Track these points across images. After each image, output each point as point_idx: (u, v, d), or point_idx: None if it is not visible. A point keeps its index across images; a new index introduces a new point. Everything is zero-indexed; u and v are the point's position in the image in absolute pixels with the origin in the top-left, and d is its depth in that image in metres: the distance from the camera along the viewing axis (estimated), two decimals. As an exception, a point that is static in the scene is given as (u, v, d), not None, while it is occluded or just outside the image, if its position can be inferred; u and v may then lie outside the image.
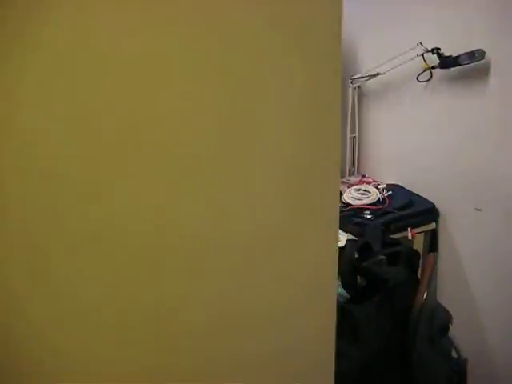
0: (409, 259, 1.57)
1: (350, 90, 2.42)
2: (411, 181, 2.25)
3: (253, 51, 0.53)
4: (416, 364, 1.47)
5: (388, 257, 1.60)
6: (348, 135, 2.49)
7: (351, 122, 2.48)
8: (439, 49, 1.93)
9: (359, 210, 2.05)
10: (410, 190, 2.23)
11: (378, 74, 2.24)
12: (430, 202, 2.13)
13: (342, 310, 1.44)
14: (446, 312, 1.61)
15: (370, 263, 1.54)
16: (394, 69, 2.13)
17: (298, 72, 0.57)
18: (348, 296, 1.55)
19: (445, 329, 1.58)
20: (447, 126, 2.02)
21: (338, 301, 1.48)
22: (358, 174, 2.51)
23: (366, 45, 2.41)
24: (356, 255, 1.58)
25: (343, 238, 1.97)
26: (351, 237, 1.99)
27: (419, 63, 2.02)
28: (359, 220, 2.01)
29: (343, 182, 2.40)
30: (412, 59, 2.02)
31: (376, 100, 2.40)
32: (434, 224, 2.14)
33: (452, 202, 2.07)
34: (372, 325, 1.39)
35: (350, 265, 1.51)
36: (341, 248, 1.70)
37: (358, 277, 1.55)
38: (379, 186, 2.20)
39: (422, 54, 1.99)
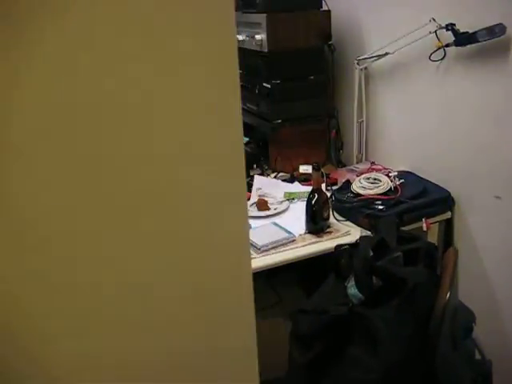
0: (428, 256, 1.44)
1: (357, 72, 2.27)
2: (424, 167, 2.11)
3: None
4: (439, 368, 1.35)
5: (405, 254, 1.47)
6: (355, 120, 2.35)
7: (358, 106, 2.34)
8: (454, 25, 1.78)
9: (370, 201, 1.92)
10: (423, 177, 2.09)
11: (386, 53, 2.10)
12: (446, 190, 1.99)
13: (357, 315, 1.32)
14: (469, 312, 1.49)
15: (386, 262, 1.42)
16: (404, 48, 1.98)
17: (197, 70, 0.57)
18: (362, 298, 1.42)
19: (468, 330, 1.46)
20: (463, 108, 1.88)
21: (351, 304, 1.35)
22: (366, 160, 2.38)
23: (372, 22, 2.25)
24: (371, 253, 1.45)
25: (355, 232, 1.84)
26: (362, 230, 1.86)
27: (432, 41, 1.87)
28: (370, 211, 1.87)
29: (351, 170, 2.27)
30: (424, 37, 1.88)
31: (385, 82, 2.25)
32: (449, 213, 2.01)
33: (468, 190, 1.94)
34: (392, 332, 1.26)
35: (365, 264, 1.39)
36: (353, 244, 1.57)
37: (374, 277, 1.42)
38: (390, 174, 2.06)
39: (435, 31, 1.84)
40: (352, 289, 1.48)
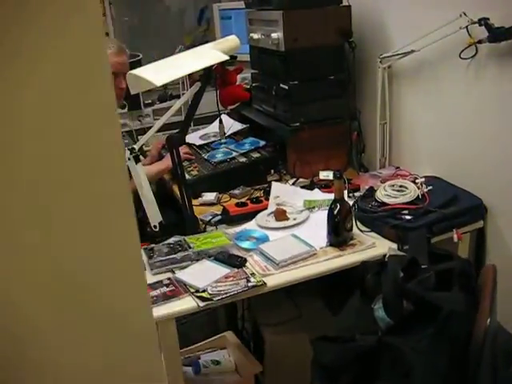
0: (464, 277, 1.31)
1: (380, 71, 2.13)
2: (453, 172, 1.97)
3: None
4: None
5: (438, 274, 1.34)
6: (378, 122, 2.22)
7: (381, 107, 2.20)
8: (487, 19, 1.64)
9: (396, 210, 1.79)
10: (452, 183, 1.95)
11: (412, 51, 1.96)
12: (477, 198, 1.85)
13: (386, 345, 1.19)
14: (510, 336, 1.35)
15: (417, 284, 1.29)
16: (432, 45, 1.84)
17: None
18: (391, 322, 1.30)
19: (511, 357, 1.32)
20: (496, 109, 1.74)
21: (380, 333, 1.22)
22: (390, 165, 2.24)
23: (397, 17, 2.11)
24: (401, 274, 1.32)
25: (381, 244, 1.71)
26: (387, 242, 1.73)
27: (462, 37, 1.73)
28: (397, 222, 1.74)
29: (374, 176, 2.13)
30: (454, 33, 1.74)
31: (410, 81, 2.11)
32: (481, 222, 1.86)
33: (502, 197, 1.79)
34: (426, 364, 1.14)
35: (395, 287, 1.26)
36: (382, 262, 1.44)
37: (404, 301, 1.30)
38: (417, 180, 1.92)
39: (466, 27, 1.70)
40: (380, 311, 1.35)
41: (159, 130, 1.82)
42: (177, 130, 1.89)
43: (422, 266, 1.35)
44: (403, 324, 1.24)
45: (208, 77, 1.68)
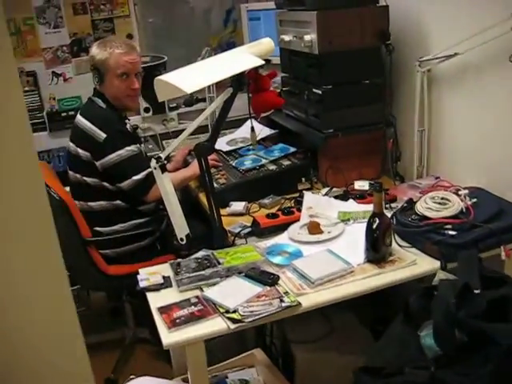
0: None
1: (418, 75, 2.01)
2: (498, 183, 1.84)
3: None
4: None
5: (491, 302, 1.22)
6: (416, 128, 2.10)
7: (419, 113, 2.08)
8: (543, 20, 1.52)
9: (438, 225, 1.67)
10: (497, 194, 1.82)
11: (455, 54, 1.84)
12: (526, 211, 1.72)
13: (437, 381, 1.08)
14: None
15: (468, 313, 1.17)
16: (479, 47, 1.72)
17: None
18: (439, 351, 1.19)
19: None
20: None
21: (433, 368, 1.11)
22: (428, 175, 2.12)
23: (438, 18, 1.98)
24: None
25: (422, 262, 1.60)
26: (429, 259, 1.62)
27: (512, 39, 1.61)
28: (440, 238, 1.62)
29: (413, 186, 2.01)
30: (503, 34, 1.61)
31: (452, 86, 1.98)
32: (529, 237, 1.73)
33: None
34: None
35: (448, 316, 1.15)
36: (430, 288, 1.33)
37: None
38: (460, 192, 1.80)
39: (518, 28, 1.58)
40: (427, 339, 1.24)
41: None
42: (205, 138, 1.81)
43: (475, 291, 1.23)
44: (455, 356, 1.13)
45: (240, 82, 1.58)
